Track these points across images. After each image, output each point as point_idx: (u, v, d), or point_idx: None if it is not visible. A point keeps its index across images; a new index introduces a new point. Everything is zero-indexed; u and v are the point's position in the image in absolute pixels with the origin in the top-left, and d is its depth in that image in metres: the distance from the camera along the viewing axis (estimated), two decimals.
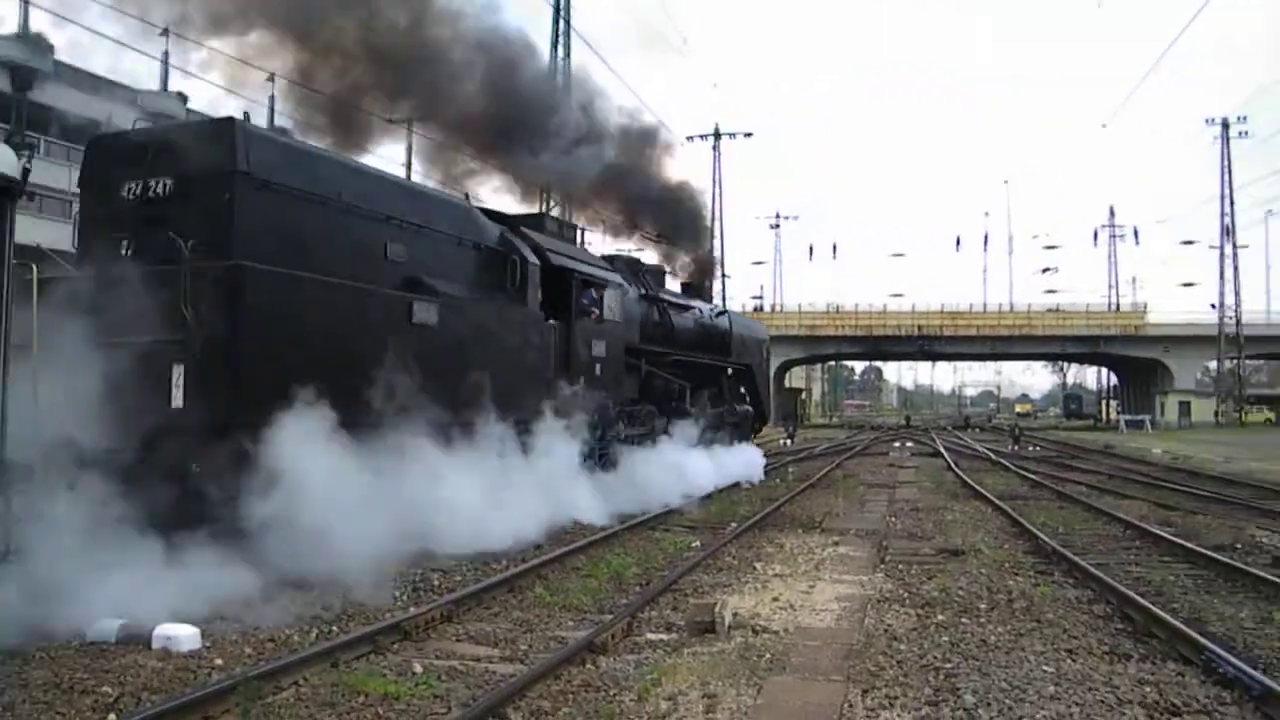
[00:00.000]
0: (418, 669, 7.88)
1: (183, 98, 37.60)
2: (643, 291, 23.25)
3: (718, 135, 74.24)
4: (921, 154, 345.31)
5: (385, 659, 8.22)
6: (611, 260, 23.25)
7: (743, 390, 31.02)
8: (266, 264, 11.32)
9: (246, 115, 13.29)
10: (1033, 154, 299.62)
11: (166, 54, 30.23)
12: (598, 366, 19.70)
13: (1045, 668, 7.85)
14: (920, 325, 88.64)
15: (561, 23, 47.68)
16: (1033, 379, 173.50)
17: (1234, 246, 78.30)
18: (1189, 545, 14.19)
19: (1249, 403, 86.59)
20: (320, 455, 10.58)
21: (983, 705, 6.78)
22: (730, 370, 29.21)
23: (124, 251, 11.60)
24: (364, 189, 13.97)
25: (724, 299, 67.82)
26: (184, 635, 8.30)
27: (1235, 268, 78.32)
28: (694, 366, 25.45)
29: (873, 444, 49.68)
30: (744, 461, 26.27)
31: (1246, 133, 76.96)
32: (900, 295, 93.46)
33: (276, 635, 8.80)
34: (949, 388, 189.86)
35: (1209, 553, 13.56)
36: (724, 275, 75.37)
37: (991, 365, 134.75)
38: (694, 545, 14.69)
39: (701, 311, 27.32)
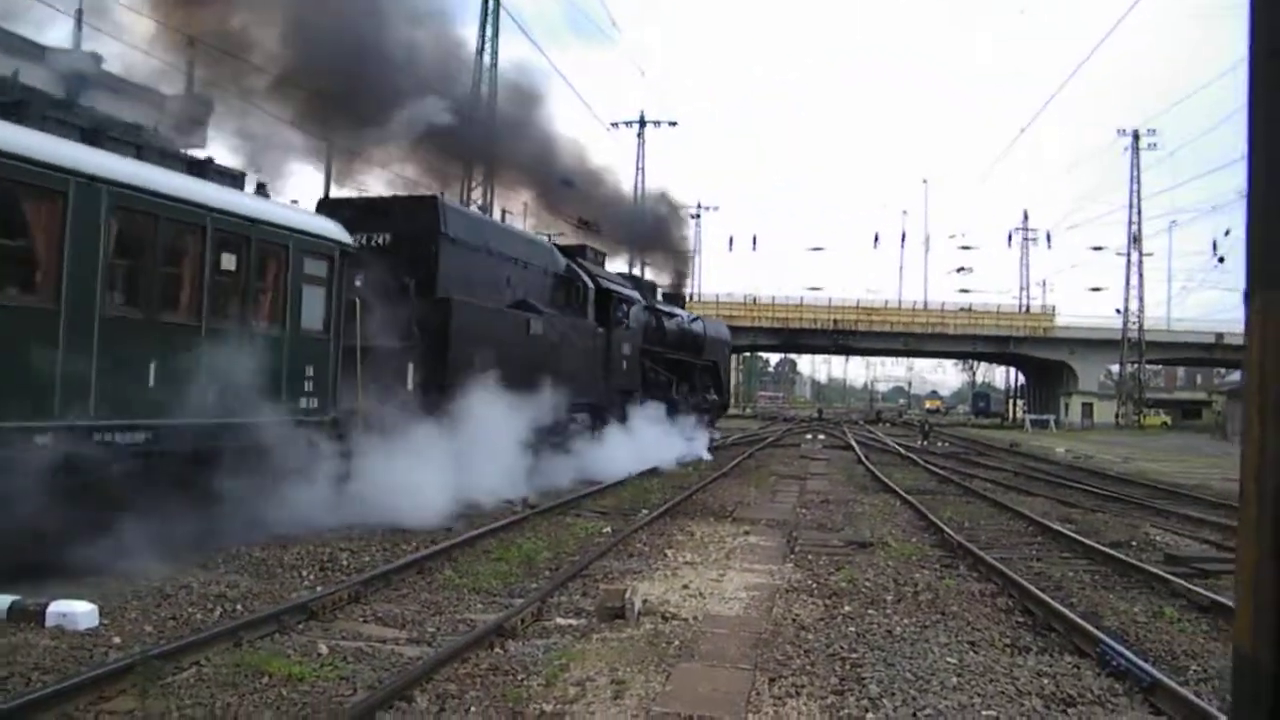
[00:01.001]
0: (323, 650, 7.79)
1: (97, 58, 36.42)
2: (645, 303, 29.53)
3: (643, 123, 74.14)
4: (843, 150, 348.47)
5: (290, 639, 8.11)
6: (626, 278, 30.38)
7: (709, 382, 37.52)
8: (458, 296, 17.47)
9: (441, 193, 20.19)
10: (952, 155, 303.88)
11: (80, 11, 29.57)
12: (624, 364, 26.80)
13: (949, 659, 7.99)
14: (836, 319, 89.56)
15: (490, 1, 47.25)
16: (943, 376, 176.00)
17: (1140, 254, 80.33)
18: (1088, 542, 14.56)
19: (1147, 406, 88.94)
20: (488, 409, 16.89)
21: (887, 695, 6.88)
22: (701, 366, 35.95)
23: (356, 282, 15.21)
24: (498, 237, 20.64)
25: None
26: (80, 612, 8.09)
27: (1140, 275, 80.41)
28: (677, 363, 32.55)
29: (785, 435, 50.14)
30: (709, 439, 34.00)
31: (1155, 145, 78.87)
32: (818, 289, 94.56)
33: (179, 614, 8.64)
34: (861, 382, 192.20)
35: (1106, 549, 13.93)
36: (644, 264, 75.45)
37: (904, 361, 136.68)
38: (605, 531, 14.70)
39: (682, 318, 34.19)
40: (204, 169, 12.59)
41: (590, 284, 24.51)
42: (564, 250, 24.95)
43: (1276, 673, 1.36)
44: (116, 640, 7.73)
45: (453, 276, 17.79)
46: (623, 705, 6.63)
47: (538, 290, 21.76)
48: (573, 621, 9.16)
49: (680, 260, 42.48)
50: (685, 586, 10.72)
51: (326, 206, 18.10)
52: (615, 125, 72.55)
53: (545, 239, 25.61)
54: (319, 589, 9.75)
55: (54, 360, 9.69)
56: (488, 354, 17.59)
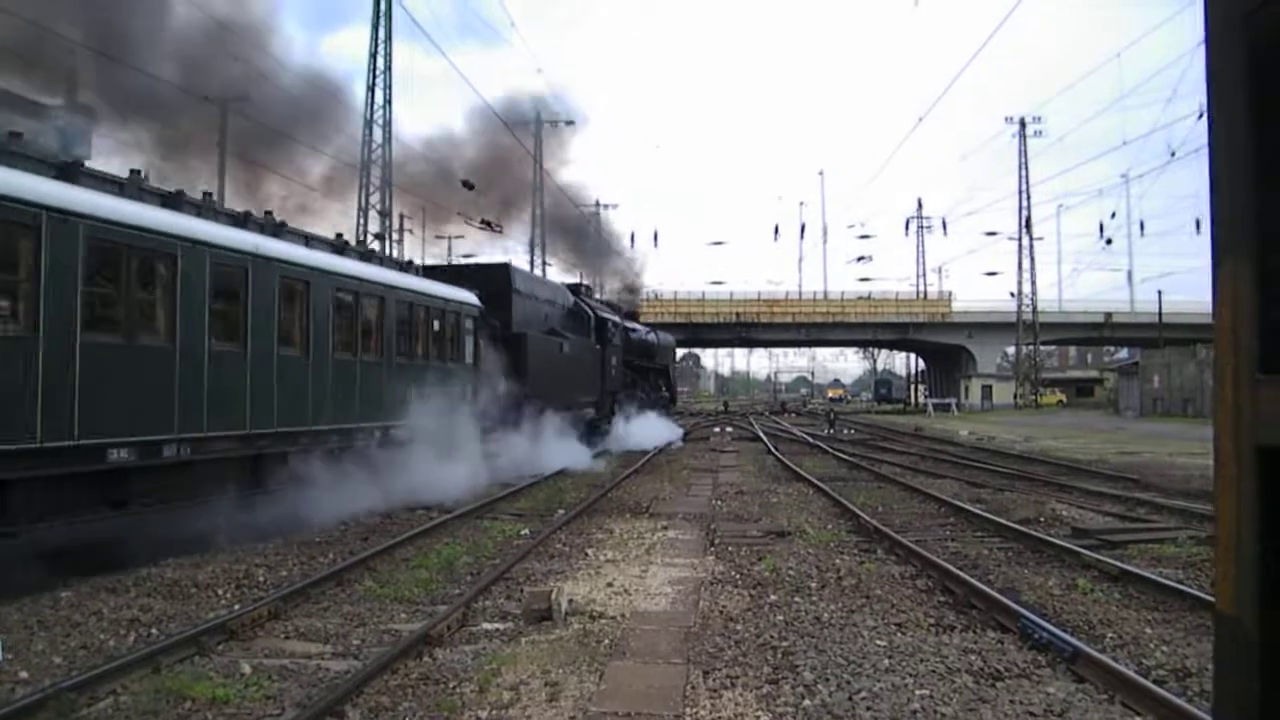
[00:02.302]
0: (246, 669, 7.59)
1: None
2: (618, 321, 38.31)
3: (539, 123, 73.81)
4: (740, 144, 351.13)
5: (211, 661, 7.89)
6: (605, 303, 40.90)
7: (661, 383, 47.24)
8: (526, 331, 25.93)
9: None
10: (848, 146, 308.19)
11: None
12: (614, 371, 35.99)
13: (878, 642, 8.09)
14: (738, 312, 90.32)
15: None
16: (845, 364, 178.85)
17: (1031, 239, 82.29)
18: (999, 520, 14.87)
19: (1044, 386, 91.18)
20: (551, 405, 26.36)
21: (821, 680, 6.94)
22: (655, 369, 45.64)
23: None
24: (539, 287, 31.12)
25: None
26: None
27: (1032, 259, 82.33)
28: (639, 368, 41.55)
29: (693, 429, 50.37)
30: (670, 428, 41.57)
31: (1041, 132, 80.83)
32: (720, 283, 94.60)
33: (89, 641, 8.34)
34: (765, 373, 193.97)
35: (1017, 527, 14.25)
36: (545, 263, 75.20)
37: (806, 351, 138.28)
38: (524, 533, 14.61)
39: (641, 331, 43.57)
40: (407, 267, 23.13)
41: (592, 314, 34.48)
42: (571, 289, 35.63)
43: (1259, 633, 1.38)
44: (24, 675, 7.38)
45: (520, 318, 26.64)
46: (559, 707, 6.58)
47: (560, 321, 31.15)
48: (500, 626, 9.09)
49: (634, 280, 58.59)
50: (609, 584, 10.70)
51: (433, 272, 25.02)
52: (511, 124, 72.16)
53: (561, 284, 36.01)
54: (237, 607, 9.52)
55: (318, 383, 16.26)
56: (543, 368, 26.90)
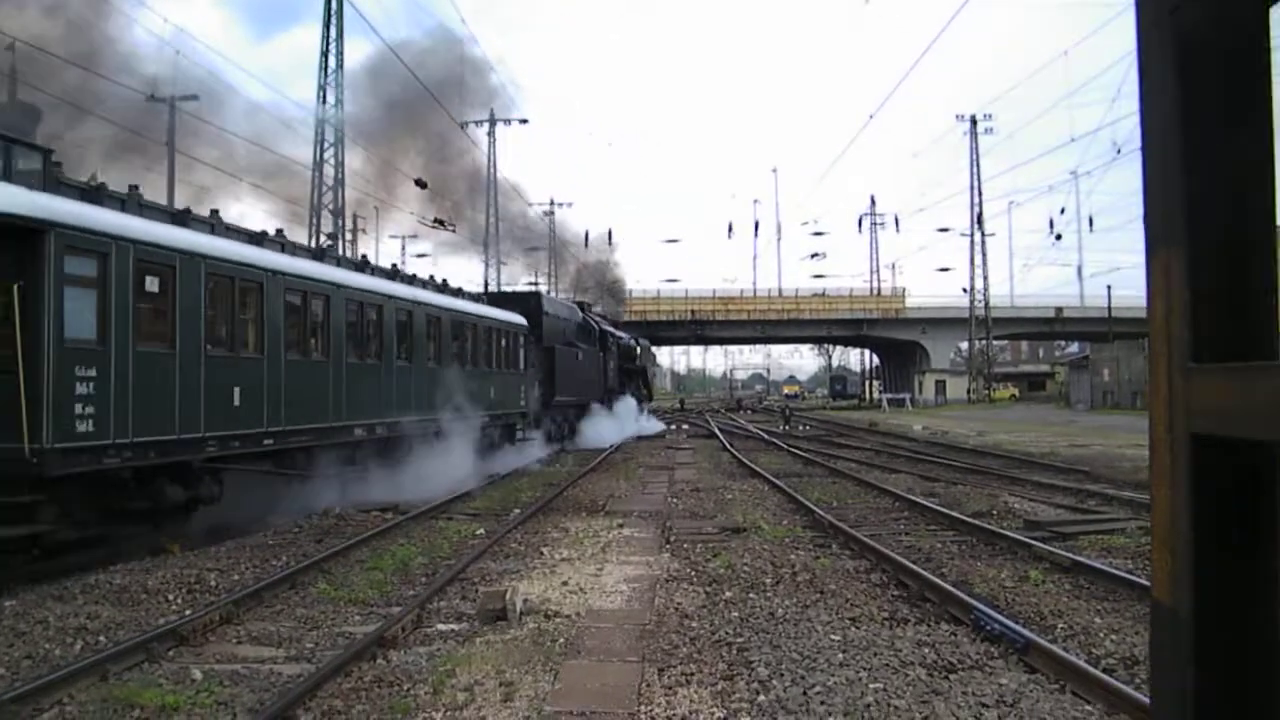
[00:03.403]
0: (197, 675, 7.50)
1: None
2: (613, 331, 46.97)
3: (493, 121, 73.51)
4: (694, 142, 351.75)
5: (161, 667, 7.79)
6: (603, 316, 50.19)
7: (640, 382, 54.53)
8: (555, 345, 33.71)
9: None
10: (801, 144, 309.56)
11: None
12: (611, 375, 44.37)
13: (833, 636, 8.12)
14: (693, 310, 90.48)
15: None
16: (800, 361, 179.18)
17: (983, 234, 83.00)
18: (952, 514, 15.00)
19: (996, 380, 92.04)
20: (574, 403, 36.95)
21: (776, 676, 6.95)
22: (636, 370, 53.02)
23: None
24: (560, 308, 37.89)
25: (499, 285, 67.55)
26: None
27: (984, 254, 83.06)
28: (626, 370, 49.68)
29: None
30: (654, 421, 51.33)
31: (992, 129, 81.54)
32: (675, 281, 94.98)
33: (35, 651, 8.19)
34: (721, 371, 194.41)
35: (970, 520, 14.37)
36: (500, 262, 74.94)
37: (762, 348, 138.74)
38: (479, 533, 14.54)
39: (625, 338, 51.49)
40: (479, 297, 30.33)
41: (596, 327, 42.53)
42: (580, 305, 44.04)
43: (1195, 621, 1.39)
44: None
45: (548, 333, 33.68)
46: (514, 708, 6.56)
47: (574, 333, 38.24)
48: (454, 626, 9.04)
49: (618, 292, 70.16)
50: (565, 583, 10.67)
51: (488, 298, 32.04)
52: (464, 125, 71.88)
53: (573, 303, 43.83)
54: (188, 612, 9.40)
55: (441, 385, 23.38)
56: (566, 373, 34.90)
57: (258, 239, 17.29)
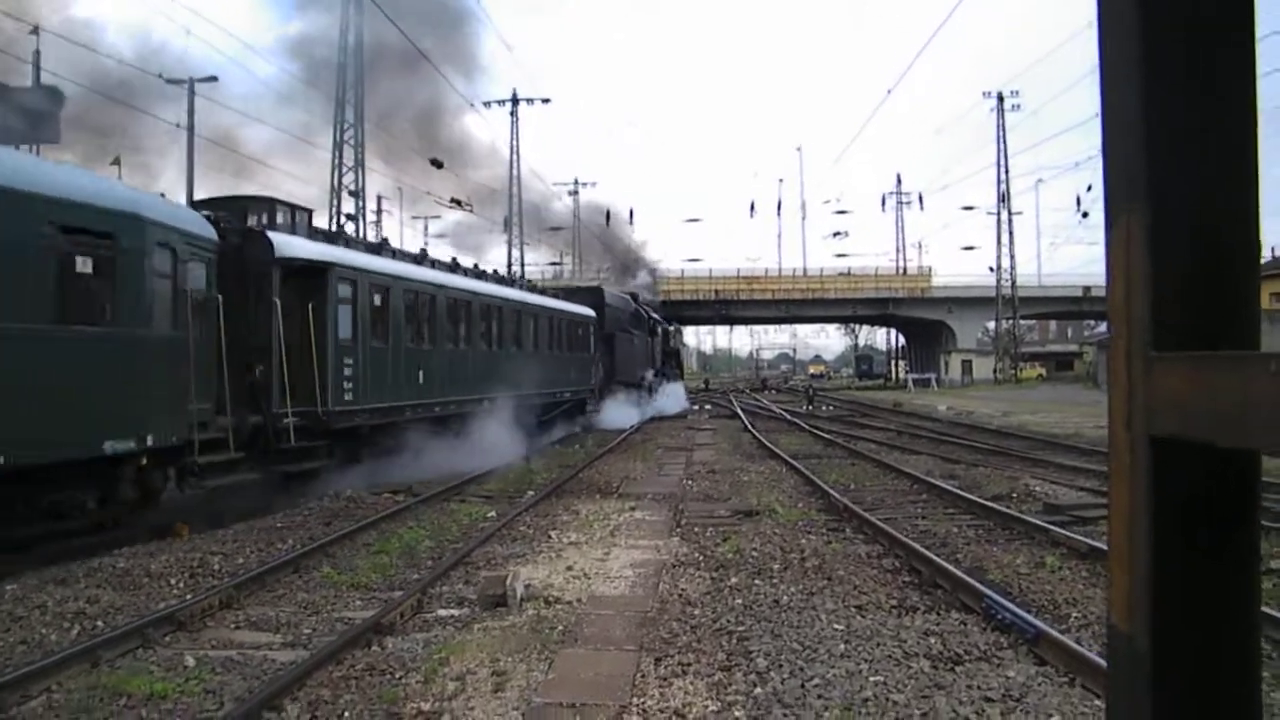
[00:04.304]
0: (190, 662, 7.38)
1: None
2: (657, 318, 52.40)
3: (515, 101, 73.16)
4: (716, 120, 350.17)
5: (155, 654, 7.67)
6: (649, 302, 54.09)
7: (674, 362, 58.98)
8: (615, 331, 39.70)
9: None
10: (825, 122, 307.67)
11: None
12: (657, 356, 49.84)
13: (836, 625, 7.90)
14: (717, 290, 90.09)
15: None
16: (826, 341, 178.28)
17: (1009, 213, 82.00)
18: (970, 497, 14.74)
19: (1023, 360, 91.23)
20: (631, 382, 41.78)
21: (775, 668, 6.74)
22: (672, 350, 59.01)
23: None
24: (617, 300, 41.73)
25: (522, 267, 67.52)
26: None
27: (1010, 233, 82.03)
28: (665, 351, 54.53)
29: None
30: (685, 400, 53.49)
31: (1019, 105, 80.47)
32: (698, 260, 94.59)
33: (30, 636, 8.08)
34: (746, 351, 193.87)
35: (988, 503, 14.11)
36: (523, 243, 74.76)
37: (787, 328, 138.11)
38: (490, 515, 14.40)
39: (663, 320, 55.91)
40: (558, 293, 37.46)
41: (646, 315, 47.93)
42: (631, 295, 47.29)
43: (1153, 649, 1.17)
44: None
45: (610, 322, 38.84)
46: (503, 698, 6.38)
47: (628, 321, 43.01)
48: (454, 612, 8.90)
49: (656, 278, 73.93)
50: (569, 568, 10.49)
51: (564, 293, 37.89)
52: (488, 105, 71.69)
53: (626, 294, 46.49)
54: (189, 597, 9.29)
55: (533, 367, 28.81)
56: (624, 356, 40.42)
57: (419, 259, 24.43)
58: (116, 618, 8.72)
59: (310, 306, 16.69)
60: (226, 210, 16.86)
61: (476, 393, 23.90)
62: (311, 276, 16.91)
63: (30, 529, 11.44)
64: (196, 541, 12.29)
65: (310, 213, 19.53)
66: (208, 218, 15.40)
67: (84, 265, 11.85)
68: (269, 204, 18.41)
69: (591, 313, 36.30)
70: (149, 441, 12.58)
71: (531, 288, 33.80)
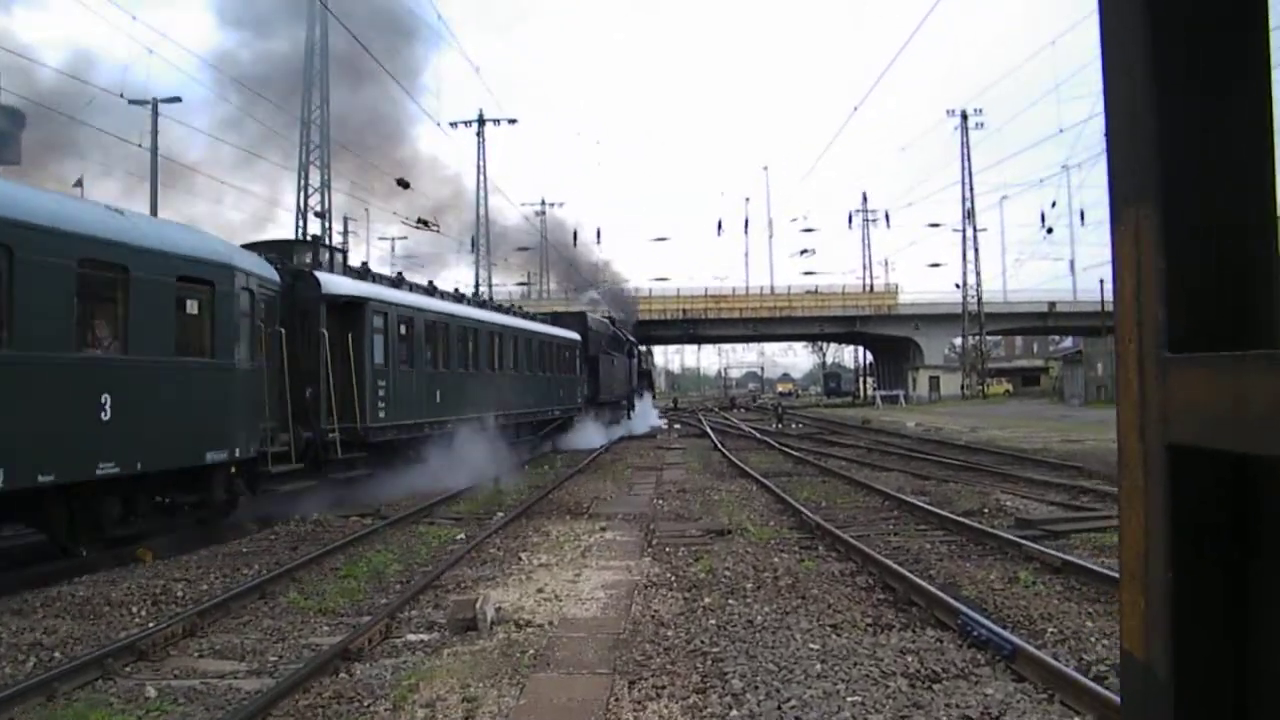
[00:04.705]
0: (151, 693, 7.18)
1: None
2: (634, 340, 56.27)
3: (481, 121, 73.06)
4: (682, 140, 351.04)
5: (115, 685, 7.47)
6: (620, 321, 55.72)
7: (648, 381, 64.94)
8: (598, 354, 41.67)
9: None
10: (792, 141, 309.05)
11: None
12: (633, 376, 52.27)
13: (811, 645, 7.80)
14: (685, 309, 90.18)
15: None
16: (794, 359, 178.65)
17: (974, 229, 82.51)
18: (942, 513, 14.72)
19: (990, 376, 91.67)
20: (611, 401, 45.08)
21: (750, 689, 6.63)
22: (645, 371, 62.57)
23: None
24: (597, 323, 43.58)
25: (489, 288, 67.33)
26: None
27: (976, 249, 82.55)
28: (640, 372, 57.22)
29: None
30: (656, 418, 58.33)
31: (983, 124, 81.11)
32: (665, 279, 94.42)
33: None
34: (715, 370, 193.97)
35: (960, 519, 14.08)
36: (490, 263, 74.60)
37: (755, 346, 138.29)
38: (459, 538, 14.23)
39: (638, 345, 59.95)
40: (546, 318, 38.54)
41: (625, 338, 50.90)
42: (610, 319, 49.80)
43: (1174, 678, 1.08)
44: None
45: (592, 344, 40.57)
46: None
47: (607, 343, 44.40)
48: (424, 637, 8.74)
49: (630, 301, 76.12)
50: (540, 590, 10.34)
51: (551, 318, 38.70)
52: (455, 125, 71.58)
53: (605, 318, 49.10)
54: (151, 625, 9.07)
55: (524, 388, 31.59)
56: (605, 376, 42.24)
57: (429, 291, 26.49)
58: (75, 648, 8.52)
59: (350, 336, 18.98)
60: (276, 252, 19.10)
61: (482, 410, 26.10)
62: (351, 310, 19.39)
63: (148, 524, 13.70)
64: (160, 567, 12.08)
65: (345, 252, 23.12)
66: (268, 259, 17.70)
67: (192, 307, 14.36)
68: (313, 245, 21.74)
69: (578, 336, 39.02)
70: (236, 453, 14.97)
71: (523, 314, 35.15)
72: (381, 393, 20.11)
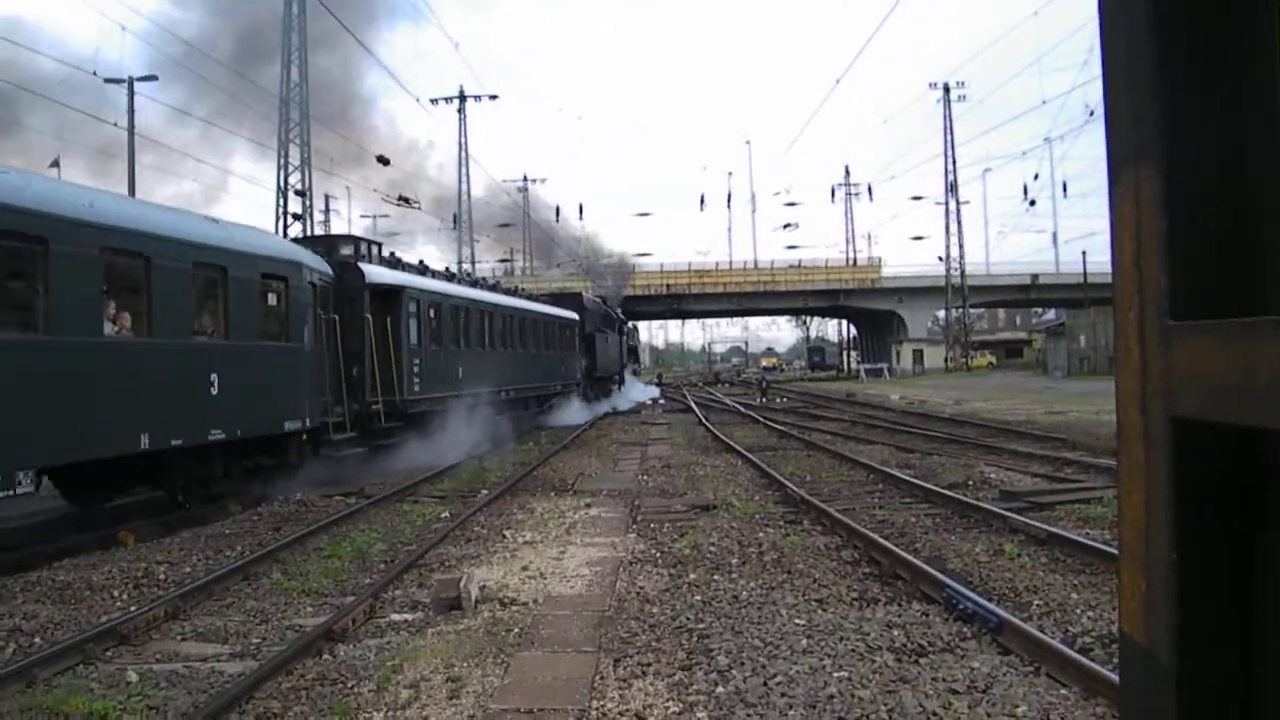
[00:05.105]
0: (133, 678, 7.10)
1: None
2: (624, 318, 59.26)
3: (463, 98, 72.65)
4: (664, 114, 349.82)
5: (96, 670, 7.38)
6: (613, 301, 59.28)
7: (634, 358, 67.28)
8: (595, 331, 44.47)
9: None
10: (774, 114, 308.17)
11: None
12: (625, 352, 57.36)
13: (797, 620, 7.77)
14: (669, 284, 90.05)
15: None
16: (778, 333, 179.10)
17: (957, 202, 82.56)
18: (927, 485, 14.72)
19: (974, 349, 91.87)
20: (608, 376, 49.76)
21: (736, 665, 6.60)
22: (632, 347, 65.13)
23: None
24: (593, 303, 47.31)
25: (473, 264, 67.18)
26: None
27: (959, 222, 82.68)
28: (628, 348, 60.45)
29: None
30: (646, 389, 60.84)
31: (965, 96, 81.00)
32: (648, 254, 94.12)
33: None
34: (699, 344, 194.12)
35: (945, 491, 14.08)
36: (473, 240, 74.33)
37: (739, 321, 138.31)
38: (443, 516, 14.17)
39: (628, 323, 62.72)
40: (547, 299, 42.02)
41: (617, 316, 53.88)
42: (601, 299, 52.65)
43: (1178, 663, 1.02)
44: None
45: (589, 323, 43.14)
46: (459, 705, 6.19)
47: (601, 321, 46.59)
48: (408, 616, 8.69)
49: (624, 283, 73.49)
50: (525, 568, 10.30)
51: (553, 299, 41.73)
52: (435, 101, 71.18)
53: (598, 298, 51.98)
54: (133, 609, 8.99)
55: (530, 365, 34.49)
56: (601, 352, 44.72)
57: (450, 277, 30.09)
58: (56, 633, 8.44)
59: (389, 320, 21.65)
60: (323, 246, 22.16)
61: (498, 385, 29.02)
62: (390, 296, 22.01)
63: (237, 483, 16.14)
64: (141, 550, 11.99)
65: (380, 245, 24.95)
66: (316, 253, 20.34)
67: (272, 300, 17.06)
68: (354, 241, 24.44)
69: (576, 316, 41.80)
70: (306, 422, 17.68)
71: (528, 296, 38.43)
72: (416, 369, 22.68)
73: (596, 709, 5.97)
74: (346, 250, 22.68)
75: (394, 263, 24.83)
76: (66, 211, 12.20)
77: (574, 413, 37.39)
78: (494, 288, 34.46)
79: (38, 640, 8.22)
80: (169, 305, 13.98)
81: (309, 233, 43.66)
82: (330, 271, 19.93)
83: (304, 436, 17.85)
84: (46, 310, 11.81)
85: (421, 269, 26.62)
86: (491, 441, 24.62)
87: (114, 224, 13.09)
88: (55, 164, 38.22)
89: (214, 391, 14.68)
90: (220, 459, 15.51)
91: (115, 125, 37.44)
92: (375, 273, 22.00)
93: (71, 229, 12.11)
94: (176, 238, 14.26)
